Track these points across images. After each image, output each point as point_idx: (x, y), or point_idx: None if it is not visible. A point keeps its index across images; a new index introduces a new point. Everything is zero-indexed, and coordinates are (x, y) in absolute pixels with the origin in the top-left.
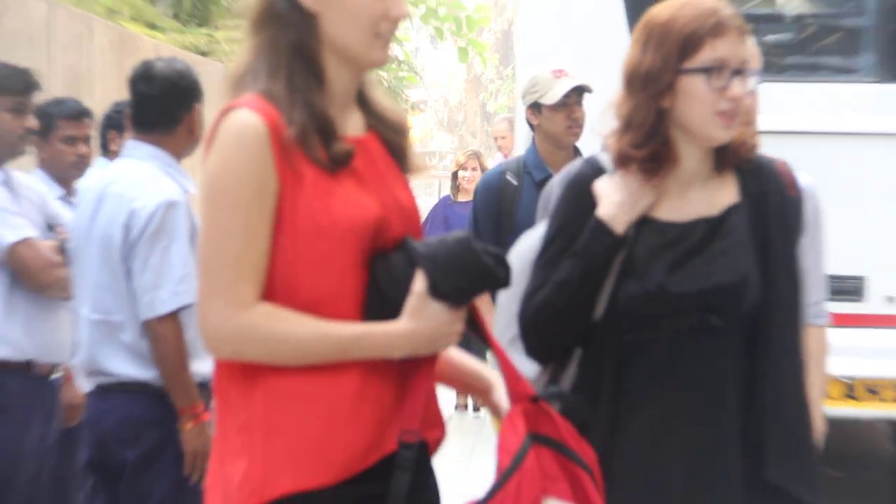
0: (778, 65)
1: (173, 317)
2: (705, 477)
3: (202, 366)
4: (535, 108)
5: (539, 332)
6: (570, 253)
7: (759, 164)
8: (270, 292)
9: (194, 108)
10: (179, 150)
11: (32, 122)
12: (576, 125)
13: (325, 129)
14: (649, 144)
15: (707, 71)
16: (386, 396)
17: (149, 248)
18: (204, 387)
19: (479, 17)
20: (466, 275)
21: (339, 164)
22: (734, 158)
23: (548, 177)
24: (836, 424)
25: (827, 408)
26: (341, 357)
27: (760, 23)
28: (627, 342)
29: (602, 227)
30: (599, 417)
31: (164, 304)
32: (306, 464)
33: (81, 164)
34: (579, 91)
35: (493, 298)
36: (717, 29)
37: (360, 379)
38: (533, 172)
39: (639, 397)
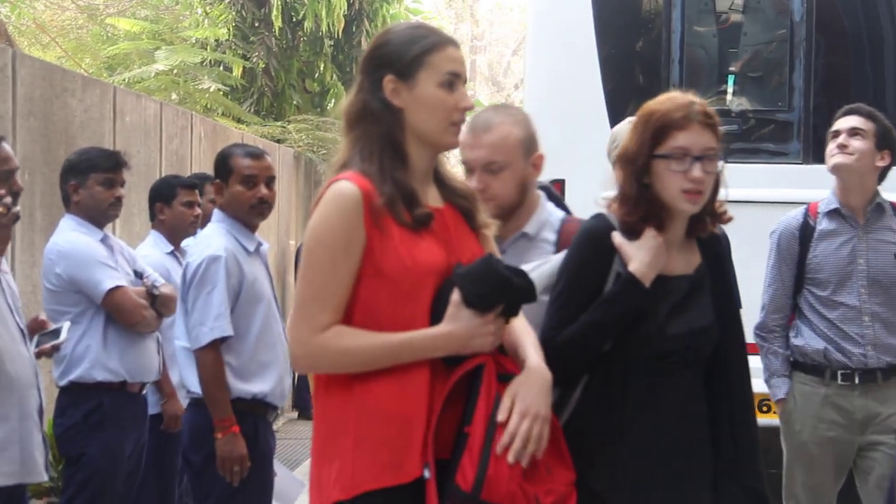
0: (727, 149)
1: (211, 347)
2: (687, 472)
3: (252, 386)
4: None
5: (566, 361)
6: (601, 300)
7: (713, 232)
8: (354, 320)
9: None
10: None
11: (121, 192)
12: None
13: (409, 199)
14: (638, 211)
15: (671, 157)
16: (445, 420)
17: (196, 293)
18: (257, 403)
19: None
20: (486, 283)
21: (421, 224)
22: (702, 229)
23: None
24: None
25: None
26: (395, 360)
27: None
28: (630, 371)
29: (636, 283)
30: (609, 427)
31: (204, 337)
32: (386, 467)
33: (196, 223)
34: None
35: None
36: (681, 122)
37: (428, 402)
38: None
39: (637, 414)
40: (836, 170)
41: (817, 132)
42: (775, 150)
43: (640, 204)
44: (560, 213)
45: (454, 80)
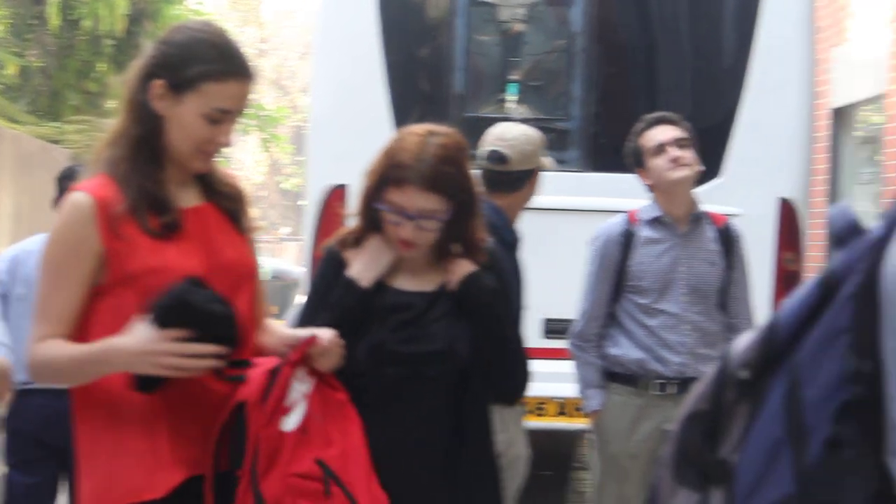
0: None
1: None
2: (409, 491)
3: None
4: None
5: None
6: (325, 306)
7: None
8: (102, 330)
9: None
10: None
11: None
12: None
13: (156, 205)
14: (364, 226)
15: (387, 210)
16: (193, 432)
17: None
18: None
19: (278, 115)
20: (165, 300)
21: (168, 230)
22: (453, 254)
23: None
24: (551, 435)
25: (544, 422)
26: (99, 372)
27: (494, 124)
28: (364, 382)
29: (352, 283)
30: None
31: None
32: (137, 481)
33: None
34: None
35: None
36: (398, 180)
37: (171, 420)
38: None
39: (366, 429)
40: (677, 183)
41: (596, 141)
42: (555, 159)
43: (366, 220)
44: None
45: (221, 117)
